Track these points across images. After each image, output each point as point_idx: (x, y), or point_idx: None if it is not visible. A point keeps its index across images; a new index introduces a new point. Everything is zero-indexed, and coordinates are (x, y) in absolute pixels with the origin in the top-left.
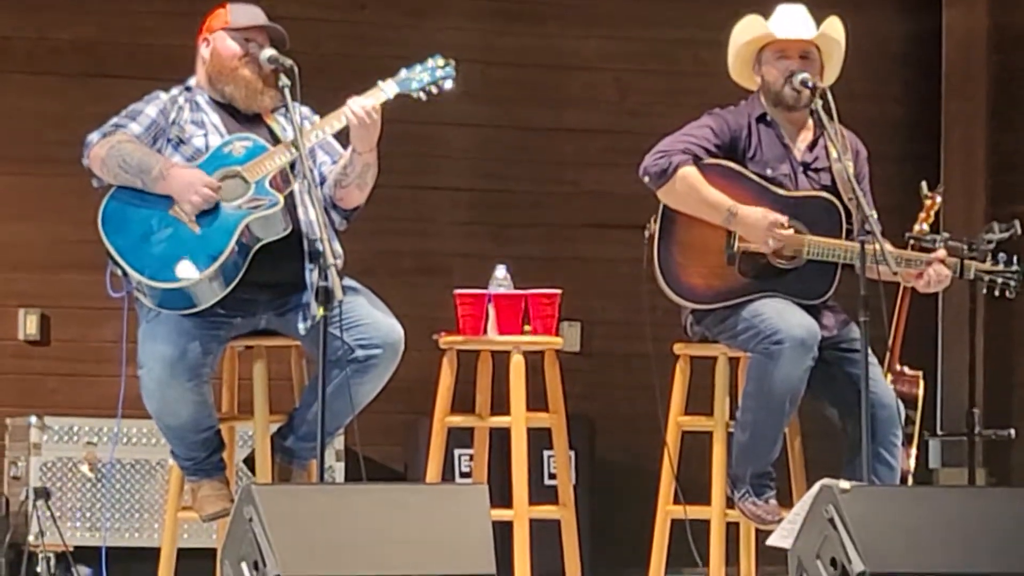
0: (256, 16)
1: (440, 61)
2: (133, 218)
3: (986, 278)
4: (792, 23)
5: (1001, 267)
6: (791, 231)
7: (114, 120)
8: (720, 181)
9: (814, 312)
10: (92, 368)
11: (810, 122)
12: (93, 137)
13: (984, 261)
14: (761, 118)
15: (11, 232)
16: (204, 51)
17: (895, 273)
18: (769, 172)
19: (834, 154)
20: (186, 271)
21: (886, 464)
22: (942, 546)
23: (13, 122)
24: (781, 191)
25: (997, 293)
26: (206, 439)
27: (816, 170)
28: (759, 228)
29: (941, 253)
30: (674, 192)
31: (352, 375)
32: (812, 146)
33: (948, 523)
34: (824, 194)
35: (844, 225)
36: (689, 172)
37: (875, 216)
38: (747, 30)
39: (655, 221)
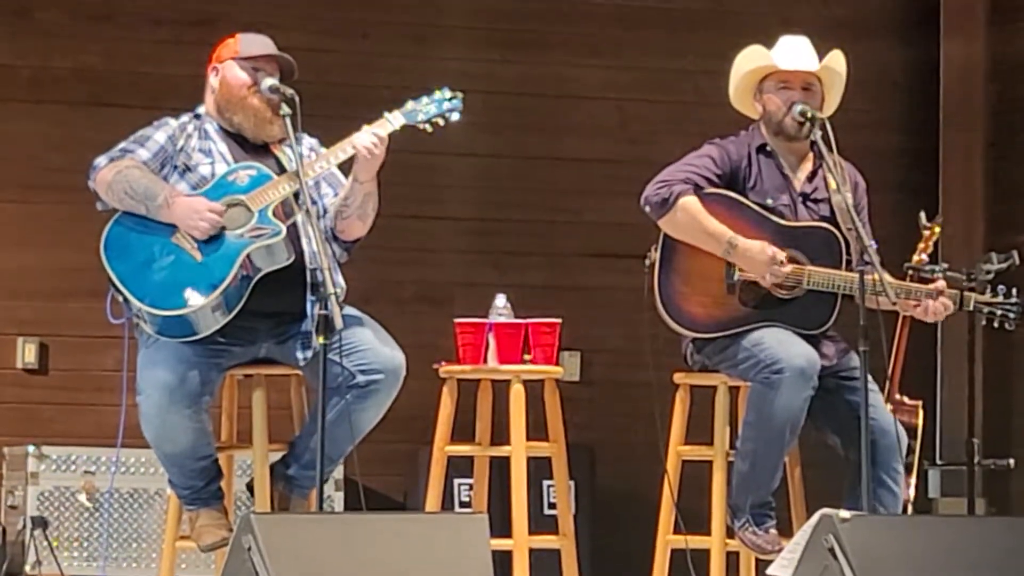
0: (266, 46)
1: (447, 93)
2: (136, 245)
3: (985, 310)
4: (795, 54)
5: (1000, 299)
6: (790, 268)
7: (122, 145)
8: (721, 211)
9: (814, 342)
10: (91, 397)
11: (810, 153)
12: (101, 161)
13: (983, 292)
14: (761, 148)
15: (11, 260)
16: (213, 80)
17: (893, 304)
18: (769, 202)
19: (833, 185)
20: (191, 298)
21: (889, 490)
22: (942, 574)
23: (15, 149)
24: (782, 221)
25: (996, 325)
26: (204, 468)
27: (815, 201)
28: (758, 262)
29: (940, 284)
30: (675, 222)
31: (353, 401)
32: (812, 177)
33: (948, 552)
34: (824, 224)
35: (844, 256)
36: (690, 202)
37: (874, 247)
38: (750, 59)
39: (656, 250)
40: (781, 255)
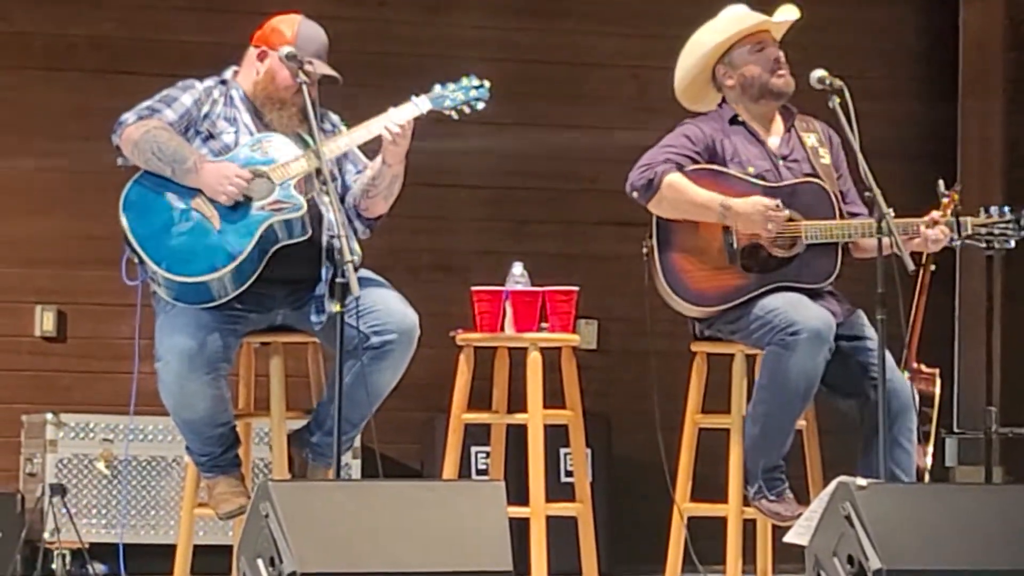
0: (318, 52)
1: (475, 81)
2: (155, 207)
3: (983, 232)
4: (750, 16)
5: (995, 217)
6: (786, 213)
7: (149, 103)
8: (708, 183)
9: (819, 300)
10: (108, 365)
11: (776, 115)
12: (128, 117)
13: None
14: (733, 120)
15: (28, 228)
16: (258, 64)
17: (908, 238)
18: (752, 170)
19: (809, 143)
20: (190, 267)
21: (903, 449)
22: (959, 543)
23: (31, 118)
24: (768, 183)
25: (997, 245)
26: (222, 434)
27: (795, 160)
28: (755, 215)
29: (935, 214)
30: (664, 201)
31: (369, 363)
32: (786, 140)
33: (965, 520)
34: (811, 179)
35: (835, 206)
36: (675, 179)
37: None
38: (699, 45)
39: (650, 237)
40: (775, 201)
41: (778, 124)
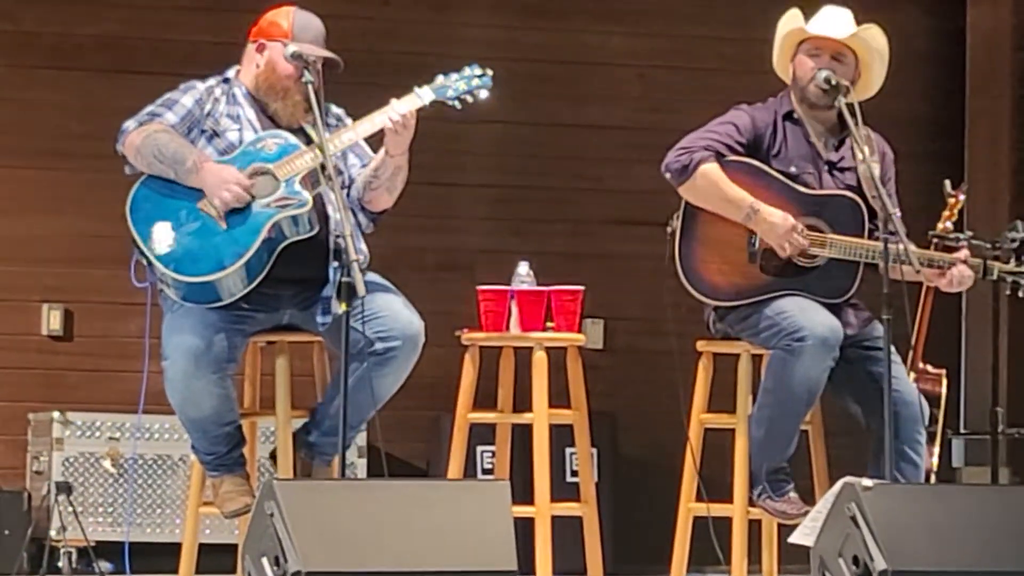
0: (316, 39)
1: (477, 70)
2: (162, 209)
3: (1009, 279)
4: (829, 22)
5: None
6: (808, 241)
7: (150, 108)
8: (743, 178)
9: (837, 310)
10: (115, 363)
11: (838, 122)
12: (129, 124)
13: (1008, 261)
14: (788, 115)
15: (35, 226)
16: (257, 57)
17: (917, 272)
18: (793, 170)
19: (860, 156)
20: (198, 266)
21: (911, 462)
22: (965, 544)
23: (37, 117)
24: (804, 189)
25: (1022, 294)
26: (228, 434)
27: (842, 170)
28: (778, 230)
29: (963, 253)
30: (695, 189)
31: (372, 368)
32: (839, 146)
33: (971, 521)
34: (847, 193)
35: (867, 224)
36: (710, 169)
37: (898, 215)
38: (786, 23)
39: (677, 218)
40: (800, 225)
41: (835, 129)
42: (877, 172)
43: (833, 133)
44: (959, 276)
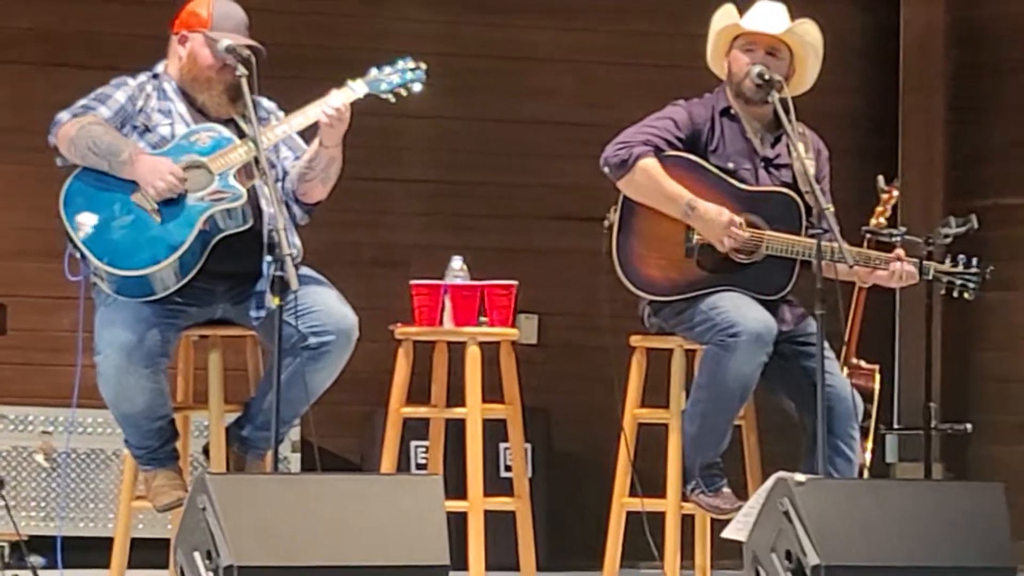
0: (237, 27)
1: (411, 63)
2: (96, 202)
3: (945, 279)
4: (763, 18)
5: (960, 268)
6: (747, 233)
7: (83, 102)
8: (681, 173)
9: (772, 307)
10: (48, 357)
11: (774, 118)
12: (63, 116)
13: (943, 261)
14: (725, 111)
15: None
16: (180, 49)
17: (851, 267)
18: (731, 166)
19: (796, 153)
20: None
21: (844, 457)
22: (897, 539)
23: None
24: (742, 185)
25: (956, 294)
26: (160, 428)
27: (778, 166)
28: (716, 226)
29: (899, 252)
30: (634, 183)
31: (306, 362)
32: (775, 142)
33: (903, 516)
34: (784, 190)
35: (804, 221)
36: (649, 164)
37: (833, 212)
38: (720, 19)
39: (615, 212)
40: (739, 219)
41: (771, 126)
42: (812, 170)
43: (769, 130)
44: (902, 270)
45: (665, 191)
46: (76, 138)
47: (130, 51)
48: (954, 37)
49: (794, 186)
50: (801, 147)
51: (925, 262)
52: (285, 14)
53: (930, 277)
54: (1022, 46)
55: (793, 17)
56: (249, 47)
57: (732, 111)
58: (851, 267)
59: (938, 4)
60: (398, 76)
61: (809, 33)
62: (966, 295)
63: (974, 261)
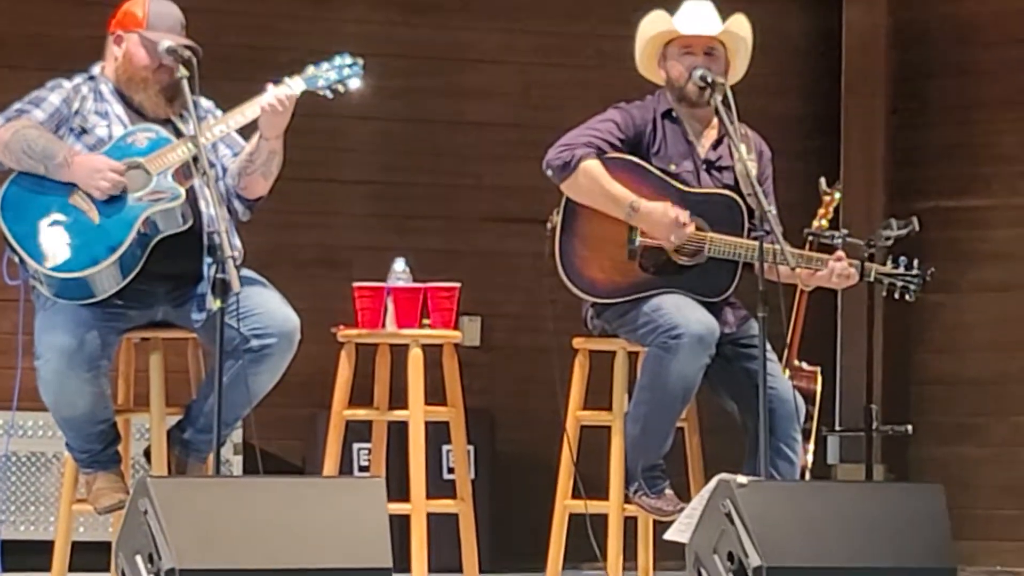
0: (173, 27)
1: (347, 59)
2: (33, 205)
3: (886, 280)
4: (697, 19)
5: (902, 270)
6: (693, 227)
7: (17, 106)
8: (623, 175)
9: (714, 308)
10: None
11: (715, 120)
12: None
13: (884, 262)
14: (667, 114)
15: None
16: (116, 49)
17: (793, 270)
18: (672, 168)
19: (737, 153)
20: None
21: (786, 459)
22: (839, 540)
23: None
24: (684, 187)
25: (897, 296)
26: (102, 431)
27: (719, 168)
28: (661, 223)
29: (839, 253)
30: (577, 185)
31: (248, 365)
32: (716, 144)
33: (845, 518)
34: (727, 192)
35: (746, 223)
36: (592, 165)
37: (775, 214)
38: (652, 25)
39: (557, 214)
40: (684, 216)
41: (713, 128)
42: (754, 171)
43: (710, 131)
44: (839, 268)
45: (608, 192)
46: (11, 142)
47: (70, 53)
48: (895, 39)
49: (736, 188)
50: (743, 148)
51: (866, 264)
52: (227, 14)
53: (871, 279)
54: (962, 48)
55: (724, 14)
56: (187, 47)
57: (673, 113)
58: (793, 269)
59: (880, 6)
60: (335, 72)
61: (742, 28)
62: (907, 297)
63: (915, 263)
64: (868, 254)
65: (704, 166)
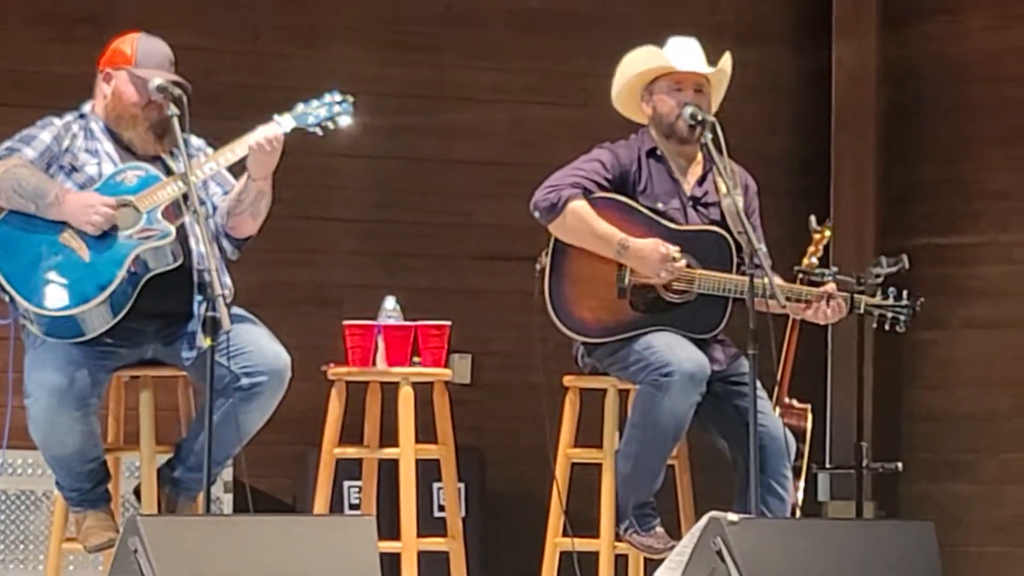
0: (162, 64)
1: (337, 96)
2: (23, 244)
3: (876, 312)
4: (689, 56)
5: (891, 301)
6: (683, 263)
7: (7, 144)
8: (611, 214)
9: (704, 346)
10: None
11: (700, 156)
12: None
13: (874, 295)
14: (651, 152)
15: None
16: (105, 87)
17: (783, 307)
18: (660, 206)
19: (723, 189)
20: (61, 300)
21: (777, 496)
22: None
23: None
24: (672, 225)
25: (887, 327)
26: (92, 470)
27: (706, 205)
28: (651, 260)
29: (830, 287)
30: (565, 226)
31: (238, 403)
32: (702, 180)
33: (836, 555)
34: (714, 228)
35: (735, 259)
36: (579, 206)
37: (764, 250)
38: (642, 60)
39: (546, 255)
40: (674, 251)
41: (697, 164)
42: (741, 205)
43: (695, 167)
44: (825, 309)
45: (596, 232)
46: (1, 181)
47: (57, 89)
48: (885, 77)
49: (723, 224)
50: (730, 184)
51: (856, 296)
52: (217, 53)
53: (861, 311)
54: (952, 85)
55: (715, 54)
56: (177, 84)
57: (658, 151)
58: (783, 306)
59: (869, 44)
60: (325, 109)
61: (728, 64)
62: (898, 328)
63: (904, 293)
64: (859, 291)
65: (691, 203)
